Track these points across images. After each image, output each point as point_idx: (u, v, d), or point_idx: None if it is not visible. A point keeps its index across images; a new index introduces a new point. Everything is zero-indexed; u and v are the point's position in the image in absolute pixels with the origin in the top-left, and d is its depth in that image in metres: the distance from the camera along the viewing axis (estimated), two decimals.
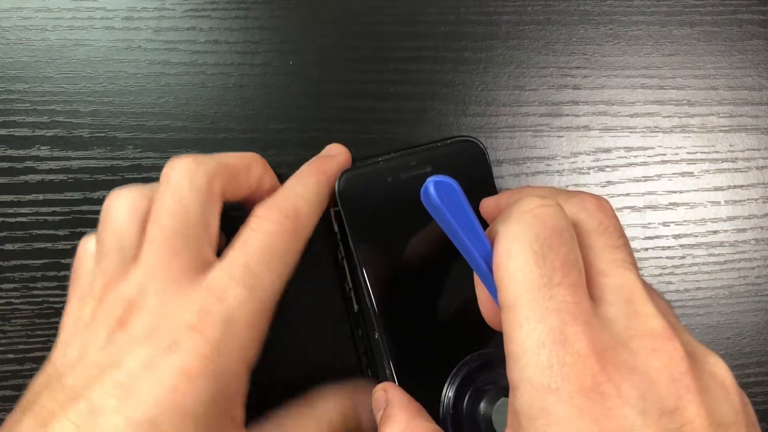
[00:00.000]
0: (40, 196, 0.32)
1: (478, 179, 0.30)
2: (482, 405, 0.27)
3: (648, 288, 0.21)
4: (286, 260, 0.25)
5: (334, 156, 0.29)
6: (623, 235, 0.22)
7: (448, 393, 0.27)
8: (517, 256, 0.20)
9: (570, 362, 0.18)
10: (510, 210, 0.21)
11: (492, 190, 0.30)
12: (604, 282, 0.20)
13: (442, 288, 0.29)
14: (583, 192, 0.24)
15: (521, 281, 0.19)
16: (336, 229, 0.30)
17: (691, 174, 0.33)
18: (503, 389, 0.27)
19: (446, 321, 0.29)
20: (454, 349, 0.28)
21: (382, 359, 0.28)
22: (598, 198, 0.23)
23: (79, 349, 0.23)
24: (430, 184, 0.20)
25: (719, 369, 0.20)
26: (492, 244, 0.21)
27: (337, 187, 0.28)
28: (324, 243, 0.31)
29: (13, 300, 0.31)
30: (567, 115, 0.33)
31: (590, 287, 0.20)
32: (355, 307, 0.30)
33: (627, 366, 0.18)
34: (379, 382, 0.29)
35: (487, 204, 0.28)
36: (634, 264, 0.21)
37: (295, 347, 0.31)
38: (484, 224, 0.23)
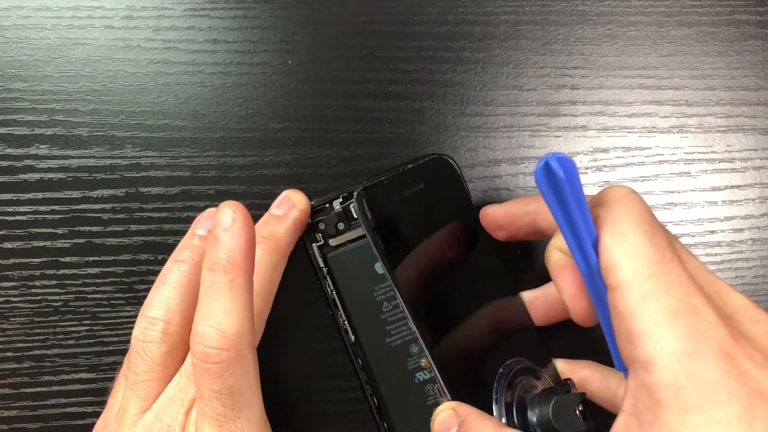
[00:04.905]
0: (39, 195, 0.32)
1: (458, 193, 0.31)
2: (532, 413, 0.27)
3: None
4: (252, 384, 0.26)
5: (286, 215, 0.30)
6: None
7: (500, 410, 0.27)
8: (629, 235, 0.20)
9: (706, 329, 0.19)
10: (603, 196, 0.22)
11: (468, 203, 0.31)
12: None
13: (470, 300, 0.29)
14: None
15: (638, 258, 0.20)
16: (321, 264, 0.31)
17: (688, 174, 0.33)
18: (540, 394, 0.27)
19: (479, 335, 0.29)
20: (491, 361, 0.28)
21: (433, 383, 0.29)
22: None
23: None
24: (553, 160, 0.20)
25: None
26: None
27: (358, 206, 0.28)
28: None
29: (11, 298, 0.31)
30: (565, 115, 0.33)
31: None
32: (352, 338, 0.30)
33: (743, 332, 0.19)
34: (385, 412, 0.30)
35: (495, 211, 0.29)
36: None
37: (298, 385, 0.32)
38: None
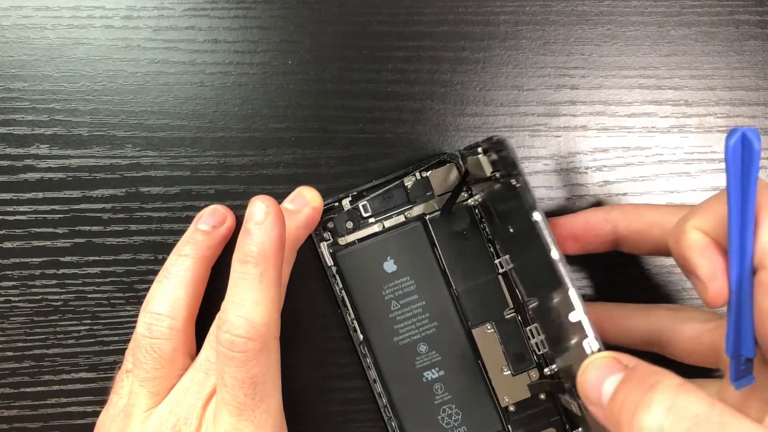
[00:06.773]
0: (39, 195, 0.32)
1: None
2: None
3: None
4: (274, 376, 0.26)
5: (298, 211, 0.30)
6: None
7: None
8: None
9: None
10: None
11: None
12: None
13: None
14: None
15: None
16: (330, 262, 0.31)
17: (688, 174, 0.33)
18: None
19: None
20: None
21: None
22: None
23: None
24: (750, 132, 0.21)
25: None
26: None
27: (509, 147, 0.28)
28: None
29: (12, 298, 0.32)
30: (565, 115, 0.33)
31: None
32: (360, 337, 0.31)
33: None
34: (394, 410, 0.30)
35: (571, 222, 0.29)
36: None
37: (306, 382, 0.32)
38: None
